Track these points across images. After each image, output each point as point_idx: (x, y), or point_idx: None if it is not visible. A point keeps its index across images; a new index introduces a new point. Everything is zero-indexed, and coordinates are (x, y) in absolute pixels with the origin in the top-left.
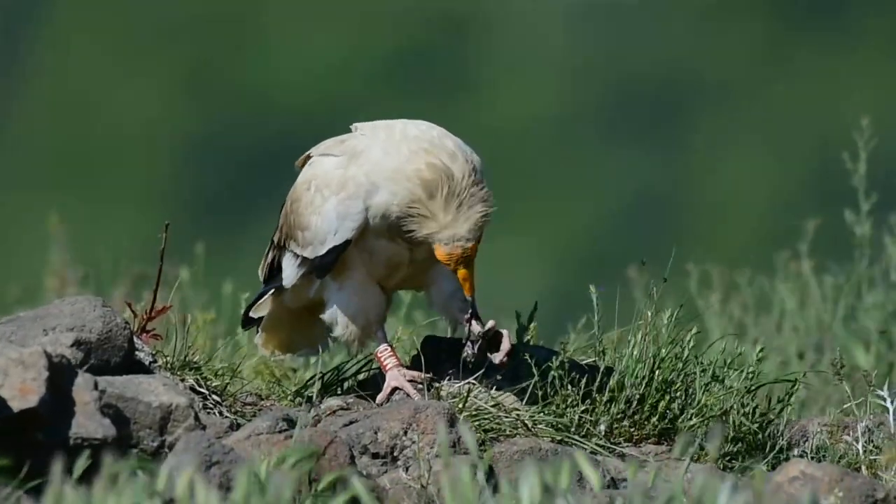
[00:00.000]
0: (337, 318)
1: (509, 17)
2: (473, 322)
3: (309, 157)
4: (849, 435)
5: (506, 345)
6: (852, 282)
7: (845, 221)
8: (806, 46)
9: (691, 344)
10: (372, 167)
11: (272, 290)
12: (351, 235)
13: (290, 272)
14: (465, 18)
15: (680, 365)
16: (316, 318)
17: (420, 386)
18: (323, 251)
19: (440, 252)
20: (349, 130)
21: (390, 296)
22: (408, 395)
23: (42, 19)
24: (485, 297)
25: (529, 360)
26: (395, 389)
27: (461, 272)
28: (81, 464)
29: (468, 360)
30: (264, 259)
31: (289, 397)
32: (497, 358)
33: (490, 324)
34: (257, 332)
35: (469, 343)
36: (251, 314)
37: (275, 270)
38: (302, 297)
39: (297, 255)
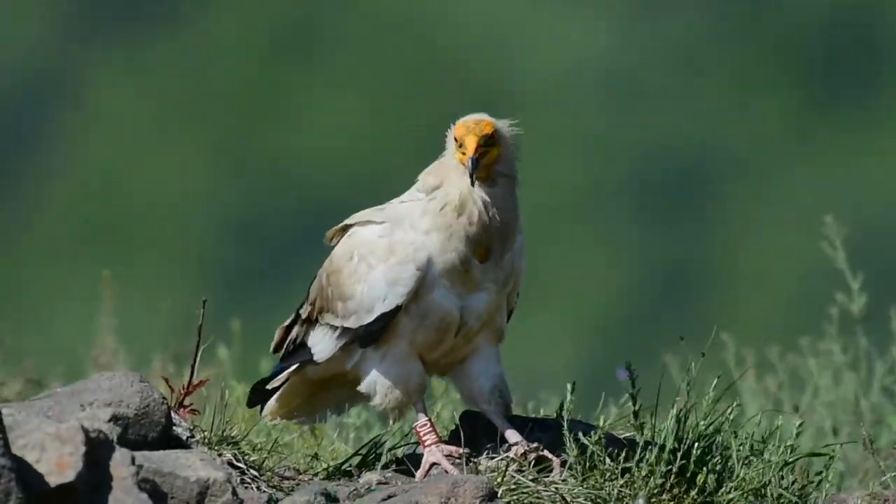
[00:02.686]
0: (376, 387)
1: (539, 91)
2: (509, 433)
3: (343, 228)
4: None
5: (555, 467)
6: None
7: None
8: (834, 120)
9: (731, 417)
10: (417, 221)
11: (295, 366)
12: (401, 301)
13: (326, 345)
14: (494, 92)
15: (718, 439)
16: (335, 389)
17: (458, 461)
18: (370, 319)
19: (458, 127)
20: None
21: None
22: (445, 470)
23: (78, 97)
24: (521, 370)
25: (568, 435)
26: (433, 465)
27: (469, 138)
28: None
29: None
30: (281, 333)
31: (327, 471)
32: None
33: (531, 446)
34: (262, 407)
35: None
36: (269, 386)
37: (296, 346)
38: (333, 370)
39: (336, 328)
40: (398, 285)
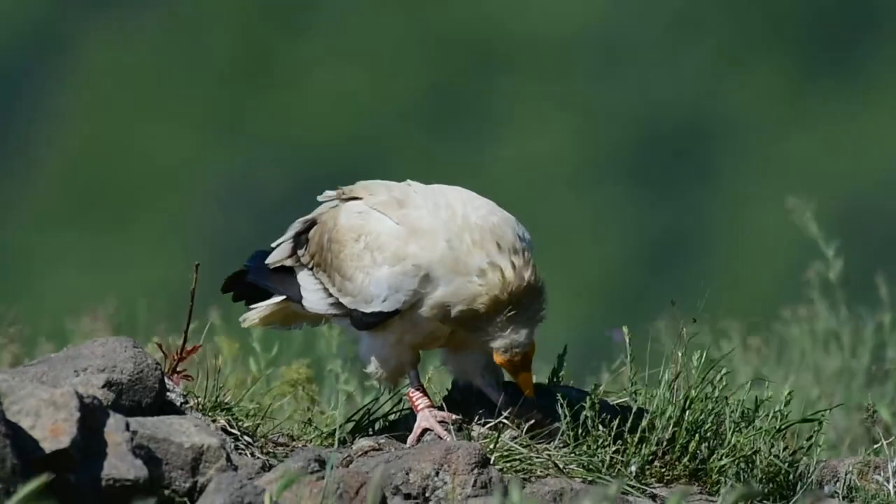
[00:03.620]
0: (370, 358)
1: (534, 55)
2: (502, 400)
3: (349, 196)
4: (879, 475)
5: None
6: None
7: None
8: (829, 90)
9: (722, 385)
10: (434, 257)
11: (281, 298)
12: (401, 306)
13: (317, 302)
14: (489, 61)
15: (710, 406)
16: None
17: (450, 427)
18: (367, 310)
19: (498, 358)
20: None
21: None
22: (438, 436)
23: (74, 63)
24: None
25: (561, 401)
26: (425, 430)
27: (522, 376)
28: None
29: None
30: (282, 250)
31: (320, 438)
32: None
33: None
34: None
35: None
36: (249, 307)
37: (287, 271)
38: (320, 318)
39: (331, 295)
40: (400, 293)
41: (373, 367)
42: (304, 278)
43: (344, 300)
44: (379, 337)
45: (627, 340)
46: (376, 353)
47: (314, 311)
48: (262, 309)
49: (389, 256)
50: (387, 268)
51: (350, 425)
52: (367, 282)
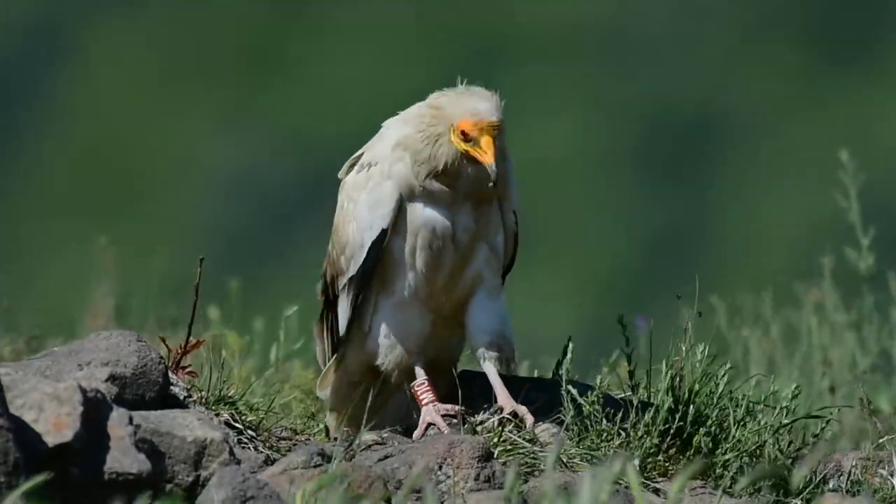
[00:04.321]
0: (379, 345)
1: (540, 46)
2: (499, 393)
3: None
4: (884, 469)
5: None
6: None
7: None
8: (838, 81)
9: (725, 379)
10: (382, 144)
11: (329, 348)
12: (385, 224)
13: (344, 311)
14: (496, 52)
15: (714, 400)
16: (381, 390)
17: (454, 421)
18: (364, 255)
19: (467, 124)
20: None
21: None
22: (441, 430)
23: (76, 52)
24: (521, 331)
25: (564, 395)
26: (430, 424)
27: (485, 139)
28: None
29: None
30: (319, 341)
31: (324, 432)
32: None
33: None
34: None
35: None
36: (318, 391)
37: (331, 331)
38: (359, 353)
39: (345, 287)
40: (379, 207)
41: (381, 356)
42: (339, 311)
43: (350, 271)
44: (389, 298)
45: (626, 334)
46: (384, 332)
47: (345, 328)
48: (326, 390)
49: (361, 184)
50: (363, 195)
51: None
52: (354, 226)
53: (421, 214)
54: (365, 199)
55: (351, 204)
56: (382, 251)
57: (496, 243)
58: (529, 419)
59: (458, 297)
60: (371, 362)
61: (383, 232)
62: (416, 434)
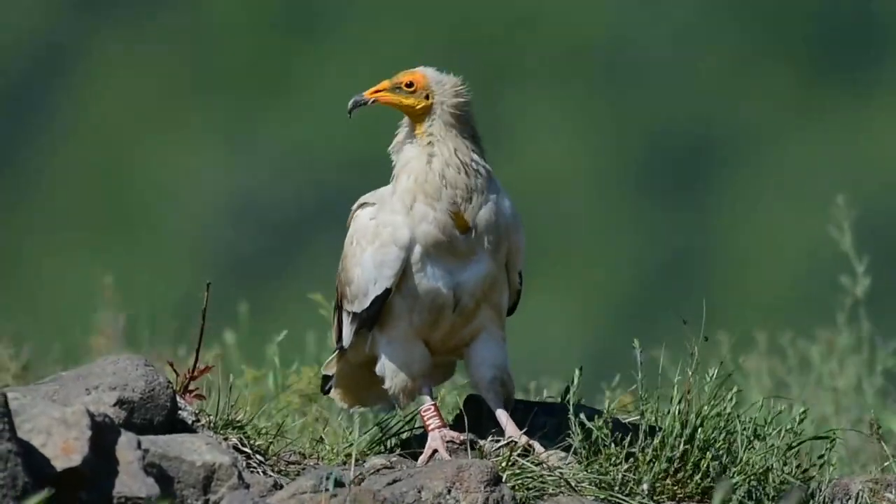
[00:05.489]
0: (385, 370)
1: (542, 72)
2: (505, 423)
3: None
4: (891, 493)
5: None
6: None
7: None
8: (838, 99)
9: (732, 402)
10: (391, 203)
11: (336, 350)
12: (389, 284)
13: (347, 331)
14: (499, 75)
15: (722, 423)
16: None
17: (459, 447)
18: (367, 303)
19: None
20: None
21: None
22: (443, 457)
23: (84, 74)
24: (524, 353)
25: (572, 419)
26: (435, 451)
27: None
28: None
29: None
30: (333, 321)
31: (332, 456)
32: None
33: (522, 439)
34: (329, 390)
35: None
36: (324, 372)
37: (339, 331)
38: (360, 354)
39: (350, 313)
40: (385, 267)
41: (387, 380)
42: (343, 321)
43: (353, 307)
44: (392, 337)
45: (639, 355)
46: (388, 360)
47: (349, 344)
48: (332, 371)
49: (370, 237)
50: (370, 248)
51: (363, 443)
52: (360, 273)
53: (423, 278)
54: (371, 255)
55: (358, 248)
56: (385, 301)
57: (500, 303)
58: (539, 450)
59: (458, 344)
60: (374, 368)
61: (387, 291)
62: (421, 460)
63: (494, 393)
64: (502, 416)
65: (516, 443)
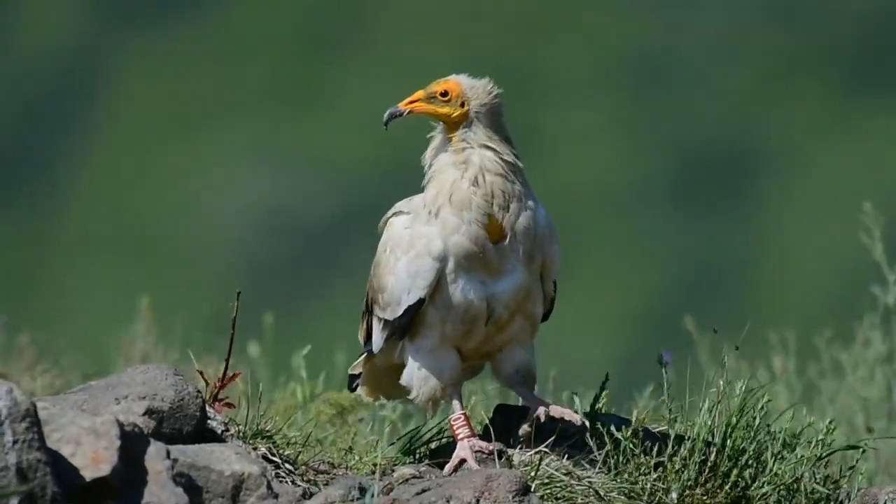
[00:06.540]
0: (413, 379)
1: (577, 84)
2: (530, 401)
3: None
4: None
5: (573, 417)
6: None
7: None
8: (870, 110)
9: (763, 412)
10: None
11: (364, 354)
12: (423, 294)
13: (377, 337)
14: (532, 85)
15: (751, 433)
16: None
17: (488, 457)
18: (400, 312)
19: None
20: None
21: (477, 368)
22: (471, 467)
23: (112, 89)
24: (553, 362)
25: (601, 429)
26: (462, 460)
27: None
28: None
29: (521, 436)
30: (361, 323)
31: (361, 465)
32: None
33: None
34: (356, 388)
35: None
36: (351, 371)
37: (368, 333)
38: (389, 360)
39: (381, 319)
40: (419, 278)
41: (415, 389)
42: (373, 325)
43: (386, 315)
44: (421, 346)
45: (664, 368)
46: (417, 368)
47: (378, 350)
48: (358, 371)
49: (405, 246)
50: (404, 258)
51: (391, 453)
52: (394, 282)
53: (457, 290)
54: (406, 264)
55: (392, 256)
56: (418, 311)
57: (535, 313)
58: (568, 413)
59: (491, 350)
60: (399, 375)
61: (420, 301)
62: (447, 468)
63: (518, 382)
64: (525, 393)
65: (538, 417)
